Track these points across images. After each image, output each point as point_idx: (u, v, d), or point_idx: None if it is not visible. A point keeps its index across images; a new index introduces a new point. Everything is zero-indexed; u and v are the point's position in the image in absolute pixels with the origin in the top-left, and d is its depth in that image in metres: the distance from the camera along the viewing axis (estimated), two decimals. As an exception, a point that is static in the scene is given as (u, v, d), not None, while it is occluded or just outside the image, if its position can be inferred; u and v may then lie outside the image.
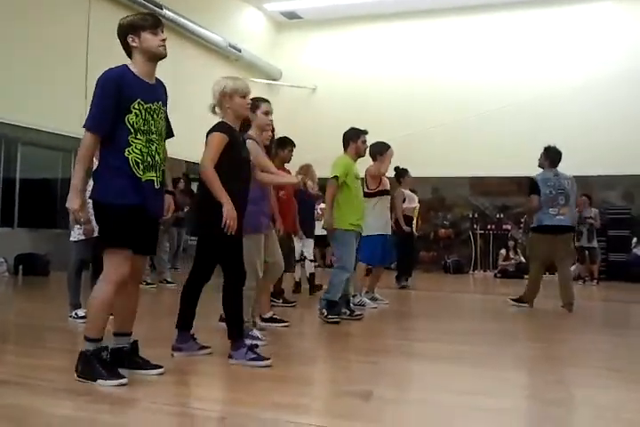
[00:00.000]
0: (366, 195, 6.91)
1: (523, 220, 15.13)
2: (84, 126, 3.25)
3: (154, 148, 3.37)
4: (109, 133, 3.27)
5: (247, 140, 4.58)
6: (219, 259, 4.00)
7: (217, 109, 4.07)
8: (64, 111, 11.03)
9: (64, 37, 11.30)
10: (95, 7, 11.91)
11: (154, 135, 3.38)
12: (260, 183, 4.59)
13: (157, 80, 3.50)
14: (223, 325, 5.00)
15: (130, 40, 3.35)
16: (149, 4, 12.82)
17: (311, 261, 8.60)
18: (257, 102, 4.74)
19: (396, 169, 9.41)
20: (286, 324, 5.45)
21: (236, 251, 3.96)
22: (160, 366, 3.48)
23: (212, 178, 3.82)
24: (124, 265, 3.30)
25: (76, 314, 5.41)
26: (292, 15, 17.71)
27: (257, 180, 4.45)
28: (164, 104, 3.48)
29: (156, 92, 3.44)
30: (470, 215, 15.76)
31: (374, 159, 7.15)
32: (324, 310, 5.78)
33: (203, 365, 3.93)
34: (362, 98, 16.24)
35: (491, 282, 13.14)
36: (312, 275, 8.54)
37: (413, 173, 9.73)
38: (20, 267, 10.11)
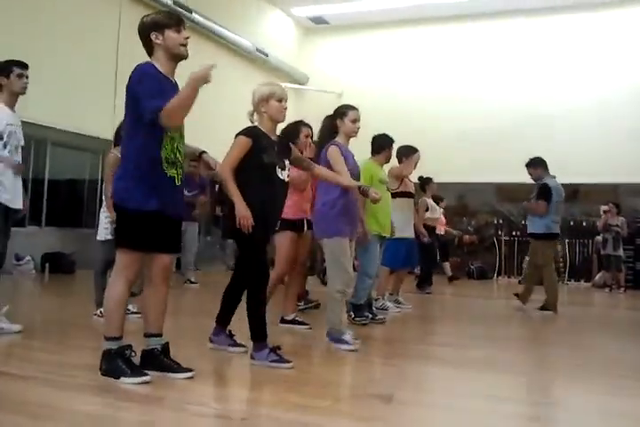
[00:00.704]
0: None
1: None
2: (151, 112, 3.14)
3: (176, 145, 3.39)
4: (143, 132, 3.26)
5: (330, 146, 4.78)
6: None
7: (254, 116, 4.10)
8: (93, 113, 11.18)
9: (94, 39, 11.44)
10: (126, 9, 12.05)
11: (176, 133, 3.40)
12: (321, 180, 4.74)
13: (175, 81, 3.47)
14: (285, 326, 5.11)
15: (153, 37, 3.36)
16: (179, 8, 12.95)
17: None
18: (345, 110, 4.94)
19: (420, 178, 9.42)
20: (308, 326, 5.47)
21: (256, 251, 3.93)
22: (191, 370, 3.43)
23: (226, 178, 3.88)
24: (135, 263, 3.33)
25: (100, 312, 5.47)
26: (319, 20, 17.75)
27: (314, 174, 4.52)
28: None
29: (177, 91, 3.38)
30: (495, 221, 15.66)
31: (400, 161, 7.20)
32: (351, 313, 5.86)
33: (227, 365, 3.96)
34: (389, 103, 16.21)
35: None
36: None
37: (440, 178, 9.73)
38: (47, 265, 10.24)
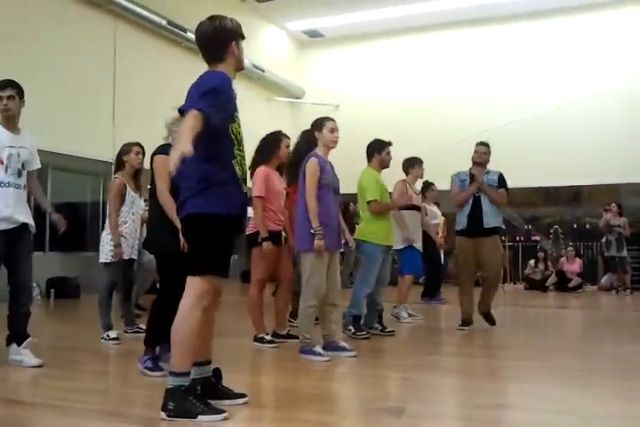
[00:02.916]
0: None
1: (552, 230, 14.99)
2: (193, 107, 2.88)
3: (244, 160, 3.25)
4: (217, 144, 3.05)
5: (310, 158, 4.84)
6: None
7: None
8: (93, 137, 11.23)
9: (91, 63, 11.48)
10: (120, 35, 12.13)
11: (242, 147, 3.24)
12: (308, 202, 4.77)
13: None
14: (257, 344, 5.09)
15: (233, 45, 3.17)
16: (173, 28, 13.05)
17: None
18: (322, 121, 5.00)
19: (424, 183, 9.42)
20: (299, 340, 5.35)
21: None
22: (245, 395, 3.28)
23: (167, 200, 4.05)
24: (212, 291, 3.09)
25: (107, 336, 5.46)
26: (313, 33, 17.85)
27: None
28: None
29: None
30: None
31: (407, 173, 7.37)
32: (351, 327, 5.79)
33: (234, 382, 3.94)
34: (385, 114, 16.25)
35: (521, 294, 12.98)
36: None
37: (439, 186, 9.71)
38: (52, 290, 10.22)
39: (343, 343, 4.93)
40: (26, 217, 4.46)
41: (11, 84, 4.44)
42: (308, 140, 5.25)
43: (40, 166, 4.68)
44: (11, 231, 4.35)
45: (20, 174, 4.46)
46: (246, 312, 5.46)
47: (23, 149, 4.48)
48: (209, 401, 3.03)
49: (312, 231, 4.65)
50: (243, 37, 3.25)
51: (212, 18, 3.21)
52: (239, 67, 3.28)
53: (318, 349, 4.72)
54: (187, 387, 2.98)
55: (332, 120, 5.04)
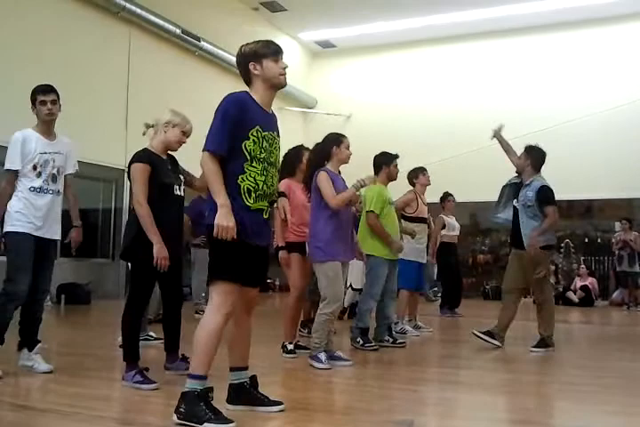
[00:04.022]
0: (403, 218, 7.10)
1: (563, 244, 14.91)
2: (204, 149, 3.14)
3: (269, 177, 3.29)
4: (225, 159, 3.17)
5: (319, 172, 4.97)
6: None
7: (149, 131, 4.46)
8: (106, 143, 11.29)
9: (105, 72, 11.58)
10: (135, 43, 12.23)
11: (269, 165, 3.29)
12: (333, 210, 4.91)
13: (272, 111, 3.45)
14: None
15: (251, 67, 3.32)
16: (187, 37, 13.13)
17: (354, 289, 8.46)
18: (340, 137, 5.18)
19: (443, 194, 9.45)
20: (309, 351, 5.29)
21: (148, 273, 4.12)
22: (281, 403, 3.34)
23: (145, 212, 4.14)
24: (232, 296, 3.15)
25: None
26: (325, 44, 17.94)
27: (195, 186, 4.55)
28: (278, 135, 3.43)
29: (273, 123, 3.40)
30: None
31: (412, 185, 7.38)
32: (359, 339, 5.82)
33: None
34: (397, 124, 16.29)
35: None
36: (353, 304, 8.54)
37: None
38: (63, 296, 10.24)
39: (339, 353, 5.05)
40: (55, 232, 4.56)
41: (53, 88, 4.52)
42: (319, 153, 5.28)
43: (74, 171, 4.68)
44: (40, 239, 4.42)
45: (54, 180, 4.48)
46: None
47: (58, 155, 4.50)
48: (220, 410, 3.02)
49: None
50: (270, 54, 3.36)
51: (241, 46, 3.43)
52: (272, 83, 3.37)
53: (323, 356, 4.81)
54: (199, 392, 3.00)
55: (347, 137, 5.23)
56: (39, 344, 4.42)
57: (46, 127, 4.48)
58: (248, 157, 3.19)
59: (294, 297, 5.50)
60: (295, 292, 5.48)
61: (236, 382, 3.34)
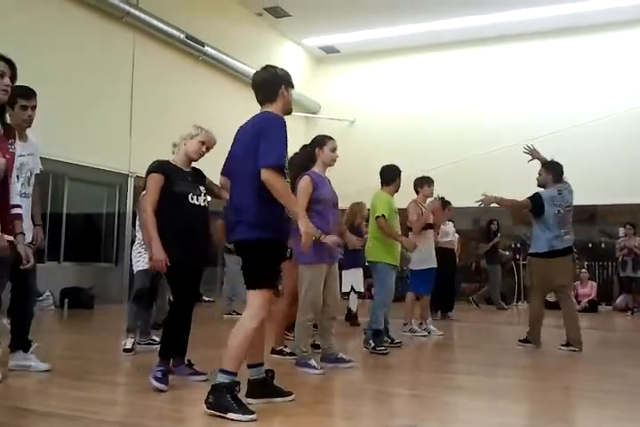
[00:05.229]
0: (409, 229, 7.30)
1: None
2: (267, 164, 3.36)
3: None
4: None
5: (303, 177, 4.94)
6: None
7: (175, 148, 4.42)
8: (110, 148, 11.33)
9: (110, 76, 11.60)
10: (139, 48, 12.26)
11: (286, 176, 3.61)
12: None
13: None
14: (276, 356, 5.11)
15: (283, 89, 3.70)
16: (192, 42, 13.17)
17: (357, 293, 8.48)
18: (324, 139, 5.12)
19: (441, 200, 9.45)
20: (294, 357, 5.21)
21: (178, 278, 4.20)
22: (291, 393, 3.73)
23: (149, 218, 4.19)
24: (270, 303, 3.50)
25: (125, 343, 5.47)
26: (330, 49, 17.97)
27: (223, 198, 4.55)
28: None
29: None
30: (513, 245, 15.53)
31: (417, 193, 7.42)
32: (371, 342, 5.89)
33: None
34: (401, 129, 16.29)
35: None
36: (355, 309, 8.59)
37: (454, 203, 9.72)
38: (66, 300, 10.25)
39: (342, 355, 5.07)
40: (28, 234, 4.34)
41: (34, 93, 4.44)
42: (304, 155, 5.31)
43: (40, 171, 4.59)
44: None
45: (29, 183, 4.43)
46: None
47: (30, 157, 4.43)
48: (244, 403, 3.32)
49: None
50: (292, 86, 3.79)
51: (268, 66, 3.81)
52: (287, 109, 3.76)
53: (313, 362, 4.83)
54: (226, 385, 3.30)
55: (334, 140, 5.18)
56: (34, 344, 4.47)
57: (20, 130, 4.30)
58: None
59: (286, 303, 5.53)
60: (290, 297, 5.48)
61: (256, 377, 3.67)
